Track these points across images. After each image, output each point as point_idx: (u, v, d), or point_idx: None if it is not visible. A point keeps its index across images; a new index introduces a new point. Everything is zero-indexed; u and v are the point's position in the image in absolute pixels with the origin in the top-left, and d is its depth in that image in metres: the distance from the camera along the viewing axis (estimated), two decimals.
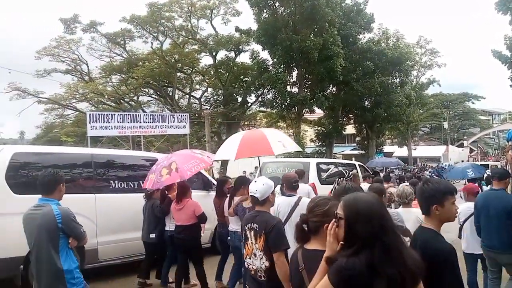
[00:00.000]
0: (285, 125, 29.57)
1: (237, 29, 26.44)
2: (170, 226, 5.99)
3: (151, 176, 5.85)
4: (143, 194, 6.46)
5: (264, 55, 24.31)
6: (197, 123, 27.49)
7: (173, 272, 6.05)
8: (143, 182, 6.39)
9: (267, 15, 22.79)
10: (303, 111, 24.72)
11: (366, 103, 27.77)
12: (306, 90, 24.07)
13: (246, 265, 3.21)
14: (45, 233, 3.27)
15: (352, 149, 38.14)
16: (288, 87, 24.12)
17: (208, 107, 30.31)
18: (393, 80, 27.64)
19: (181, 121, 18.17)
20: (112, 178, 6.84)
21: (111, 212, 6.46)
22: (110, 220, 6.42)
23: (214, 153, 6.72)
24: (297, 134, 24.04)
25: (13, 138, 47.96)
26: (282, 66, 23.20)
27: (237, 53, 28.14)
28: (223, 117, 28.53)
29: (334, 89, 26.70)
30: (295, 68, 24.09)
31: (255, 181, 3.39)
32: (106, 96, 29.66)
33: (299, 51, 21.79)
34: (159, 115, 19.83)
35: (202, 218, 5.71)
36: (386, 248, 1.67)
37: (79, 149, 8.13)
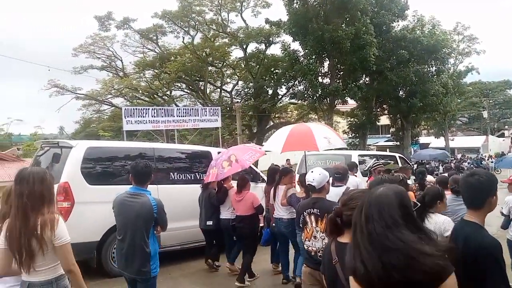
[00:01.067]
0: (316, 117, 29.26)
1: (267, 21, 26.30)
2: (225, 214, 6.47)
3: (213, 171, 6.41)
4: (200, 184, 6.89)
5: (295, 46, 24.11)
6: (229, 116, 27.64)
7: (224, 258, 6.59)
8: (198, 174, 7.27)
9: (297, 6, 22.47)
10: (335, 102, 24.36)
11: (401, 93, 27.05)
12: (338, 81, 23.69)
13: (306, 247, 3.49)
14: (142, 220, 3.64)
15: (386, 140, 37.34)
16: (320, 78, 23.81)
17: (239, 100, 30.39)
18: (429, 69, 26.71)
19: (213, 114, 18.29)
20: (171, 170, 7.28)
21: (172, 202, 6.75)
22: (171, 209, 6.72)
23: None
24: (329, 125, 23.71)
25: (53, 133, 49.89)
26: (313, 57, 22.89)
27: (267, 45, 28.02)
28: (254, 110, 28.56)
29: (367, 79, 26.12)
30: (326, 59, 23.72)
31: (312, 171, 3.74)
32: (140, 91, 30.32)
33: (331, 41, 21.42)
34: (192, 109, 20.06)
35: (260, 209, 6.10)
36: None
37: (142, 143, 9.00)
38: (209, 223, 6.55)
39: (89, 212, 5.67)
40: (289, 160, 20.01)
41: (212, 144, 22.25)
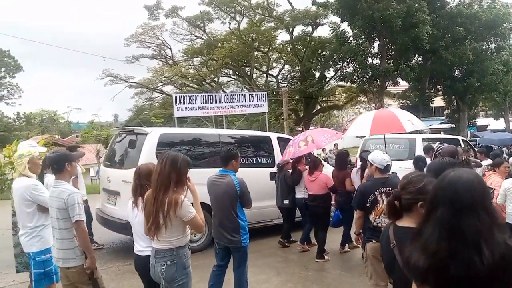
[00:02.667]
0: (366, 99, 28.51)
1: (314, 2, 25.72)
2: (299, 194, 6.95)
3: (289, 150, 6.93)
4: (275, 167, 7.45)
5: (343, 26, 23.51)
6: (275, 101, 27.60)
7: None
8: (259, 158, 7.80)
9: None
10: (386, 84, 23.59)
11: (457, 72, 25.62)
12: (389, 61, 22.88)
13: (376, 224, 3.74)
14: (228, 197, 4.18)
15: (440, 123, 35.67)
16: (370, 59, 23.13)
17: (286, 85, 30.22)
18: (487, 46, 24.98)
19: (259, 100, 18.31)
20: None
21: None
22: None
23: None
24: (379, 108, 23.06)
25: (109, 121, 52.35)
26: (362, 37, 22.21)
27: (314, 27, 27.52)
28: (301, 94, 28.31)
29: (420, 59, 24.96)
30: (376, 39, 22.95)
31: (377, 155, 4.04)
32: (189, 79, 30.97)
33: (381, 20, 20.64)
34: (239, 94, 20.20)
35: (334, 189, 6.47)
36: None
37: (209, 130, 9.62)
38: (286, 202, 7.04)
39: None
40: (337, 144, 19.74)
41: (259, 130, 22.39)
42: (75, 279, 3.38)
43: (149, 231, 2.97)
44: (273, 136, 8.33)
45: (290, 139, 8.34)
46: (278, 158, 7.87)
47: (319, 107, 32.42)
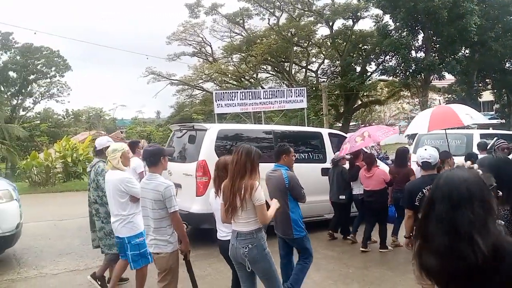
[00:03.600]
0: (409, 94, 27.65)
1: None
2: (356, 190, 7.03)
3: (346, 146, 7.07)
4: (329, 162, 7.59)
5: (386, 19, 22.85)
6: (314, 96, 27.31)
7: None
8: (311, 154, 7.95)
9: None
10: (431, 78, 22.74)
11: (507, 64, 24.31)
12: (434, 54, 22.01)
13: None
14: (278, 191, 4.39)
15: (489, 118, 34.03)
16: (413, 52, 22.35)
17: (325, 80, 29.86)
18: None
19: (298, 95, 18.21)
20: None
21: None
22: None
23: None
24: (424, 103, 22.31)
25: (151, 117, 53.91)
26: (405, 30, 21.50)
27: (355, 20, 26.94)
28: (341, 89, 27.87)
29: (467, 51, 23.82)
30: (420, 31, 22.11)
31: (425, 149, 4.14)
32: (228, 75, 31.27)
33: (425, 12, 19.88)
34: (277, 90, 20.19)
35: (390, 183, 6.59)
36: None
37: (263, 126, 10.07)
38: (342, 197, 7.13)
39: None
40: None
41: (297, 125, 22.28)
42: (166, 263, 3.77)
43: (226, 213, 3.33)
44: (325, 132, 8.52)
45: (341, 135, 8.70)
46: (329, 153, 7.95)
47: (360, 102, 31.78)
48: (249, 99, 16.73)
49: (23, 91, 46.95)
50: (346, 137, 8.00)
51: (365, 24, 24.87)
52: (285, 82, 30.52)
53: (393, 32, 22.09)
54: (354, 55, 27.54)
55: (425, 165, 4.06)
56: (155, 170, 3.80)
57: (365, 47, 27.21)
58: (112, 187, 4.28)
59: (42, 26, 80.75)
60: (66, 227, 8.39)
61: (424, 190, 3.78)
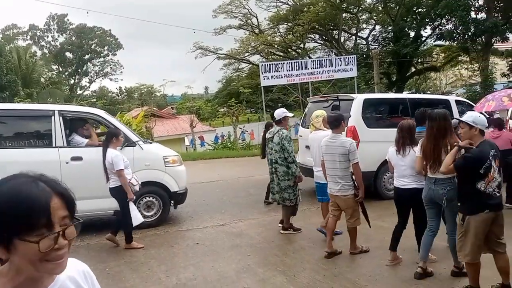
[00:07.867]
0: (468, 59, 25.87)
1: None
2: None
3: (489, 103, 7.33)
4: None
5: None
6: (365, 64, 26.31)
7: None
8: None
9: None
10: (493, 40, 21.06)
11: None
12: (497, 15, 20.29)
13: (488, 191, 3.61)
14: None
15: None
16: (473, 13, 20.72)
17: (376, 46, 28.58)
18: None
19: (348, 63, 17.65)
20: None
21: None
22: None
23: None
24: (484, 68, 20.80)
25: (200, 93, 54.78)
26: None
27: None
28: (393, 56, 26.63)
29: None
30: None
31: (479, 115, 4.05)
32: (275, 47, 30.83)
33: None
34: (326, 59, 19.63)
35: None
36: None
37: (398, 95, 11.47)
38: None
39: (369, 148, 7.08)
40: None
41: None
42: (348, 204, 4.68)
43: (431, 168, 3.90)
44: (452, 99, 8.96)
45: (467, 102, 9.18)
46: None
47: (414, 70, 30.30)
48: (296, 69, 16.45)
49: (79, 70, 49.31)
50: (472, 105, 8.46)
51: None
52: (333, 51, 29.63)
53: None
54: (408, 20, 26.05)
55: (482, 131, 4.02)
56: (338, 131, 4.70)
57: (419, 10, 25.67)
58: (316, 144, 5.28)
59: (94, 6, 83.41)
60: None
61: (490, 158, 3.63)
